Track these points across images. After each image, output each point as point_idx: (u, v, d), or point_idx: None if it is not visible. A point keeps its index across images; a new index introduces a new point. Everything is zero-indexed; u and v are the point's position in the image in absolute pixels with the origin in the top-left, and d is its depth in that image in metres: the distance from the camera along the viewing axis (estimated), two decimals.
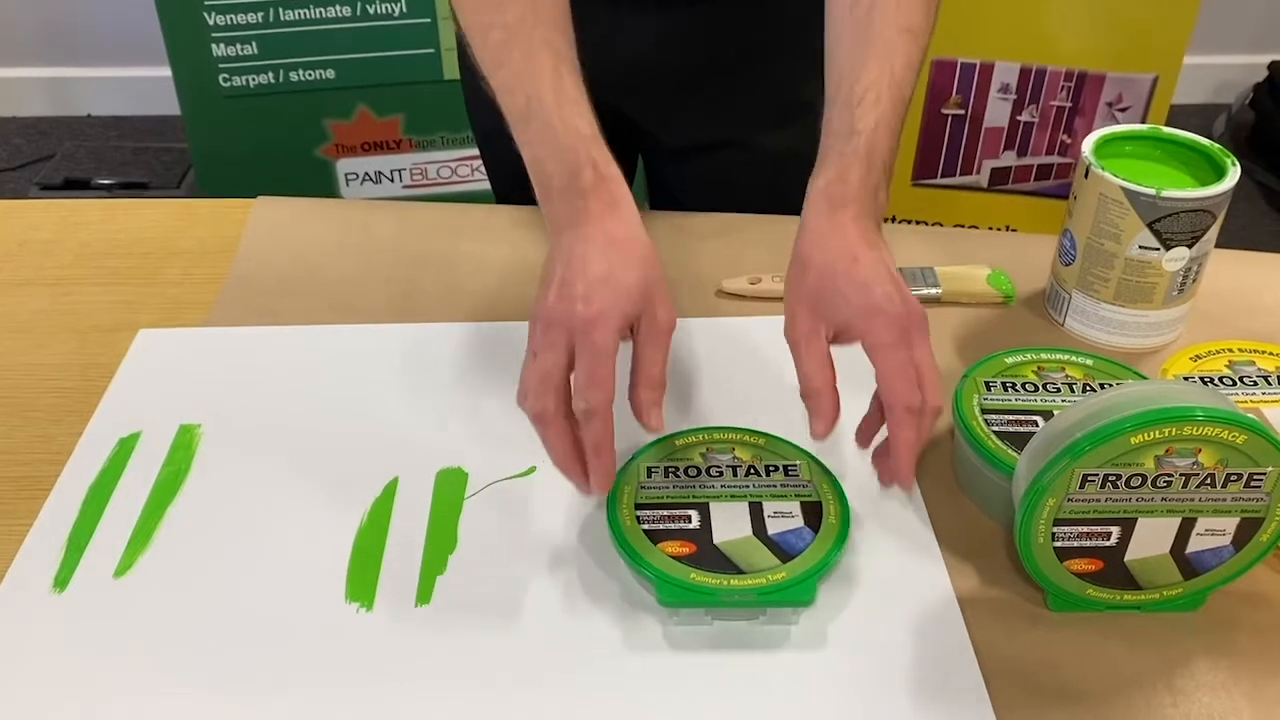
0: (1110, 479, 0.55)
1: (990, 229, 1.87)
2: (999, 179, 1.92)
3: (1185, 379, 0.71)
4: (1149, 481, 0.56)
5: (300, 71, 1.93)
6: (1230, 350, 0.74)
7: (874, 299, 0.60)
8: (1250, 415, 0.55)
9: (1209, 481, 0.55)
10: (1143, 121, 1.85)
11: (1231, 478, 0.55)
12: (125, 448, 0.70)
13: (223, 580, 0.62)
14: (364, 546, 0.64)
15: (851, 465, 0.69)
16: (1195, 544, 0.58)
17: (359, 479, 0.68)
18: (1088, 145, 0.77)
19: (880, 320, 0.60)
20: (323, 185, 2.03)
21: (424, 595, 0.61)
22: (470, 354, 0.79)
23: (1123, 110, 1.84)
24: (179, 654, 0.58)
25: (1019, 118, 1.85)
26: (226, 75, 1.88)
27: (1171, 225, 0.74)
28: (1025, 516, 0.57)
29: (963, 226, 1.92)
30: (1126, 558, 0.59)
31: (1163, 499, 0.56)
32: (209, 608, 0.60)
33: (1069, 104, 1.84)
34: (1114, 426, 0.54)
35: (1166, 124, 0.80)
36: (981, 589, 0.62)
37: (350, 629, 0.59)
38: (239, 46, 1.86)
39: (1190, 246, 0.75)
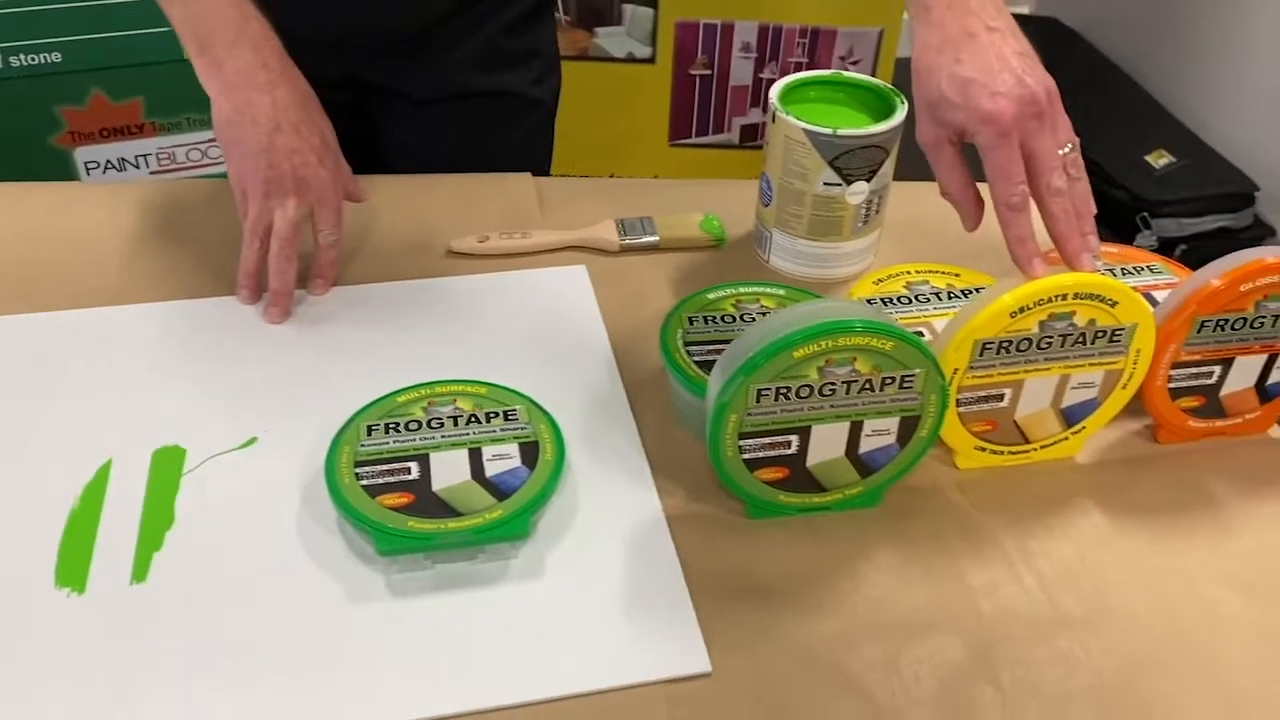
0: (782, 391, 0.61)
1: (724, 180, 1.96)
2: (749, 135, 2.00)
3: (869, 300, 0.79)
4: (816, 391, 0.61)
5: (22, 56, 1.81)
6: (909, 272, 0.82)
7: (974, 100, 0.63)
8: (894, 324, 0.61)
9: (868, 386, 0.62)
10: (872, 73, 1.98)
11: (886, 381, 0.62)
12: None
13: None
14: (75, 531, 0.62)
15: (572, 407, 0.72)
16: (866, 444, 0.64)
17: (68, 465, 0.67)
18: (774, 92, 0.83)
19: (978, 122, 0.63)
20: (62, 176, 1.91)
21: (139, 573, 0.61)
22: (183, 332, 0.78)
23: (854, 63, 1.96)
24: None
25: (761, 75, 1.94)
26: None
27: (850, 161, 0.80)
28: (713, 432, 0.62)
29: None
30: (808, 463, 0.65)
31: (830, 406, 0.62)
32: None
33: (805, 60, 1.94)
34: (778, 343, 0.59)
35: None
36: (689, 506, 0.67)
37: (61, 615, 0.58)
38: None
39: (869, 180, 0.82)
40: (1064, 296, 0.63)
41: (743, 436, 0.62)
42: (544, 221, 0.92)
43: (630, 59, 1.94)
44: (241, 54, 0.75)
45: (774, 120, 0.82)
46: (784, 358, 0.60)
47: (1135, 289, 0.79)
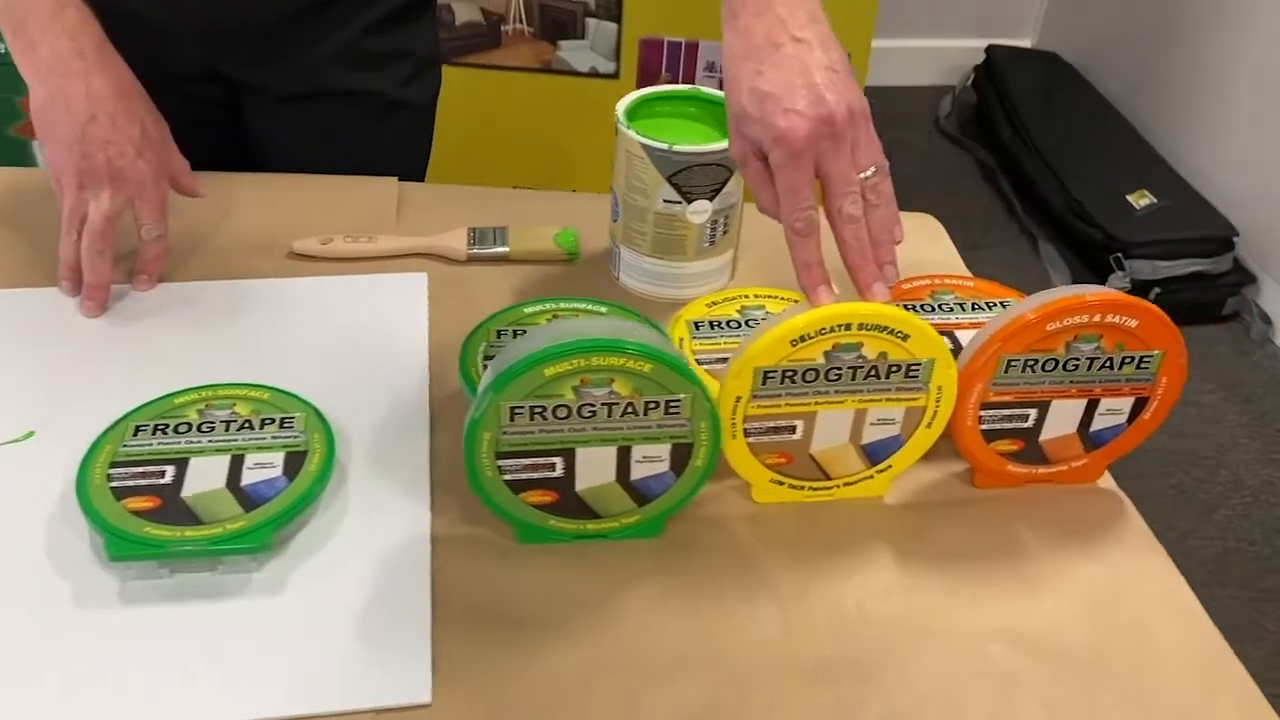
0: (537, 411, 0.58)
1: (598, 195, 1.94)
2: None
3: (695, 323, 0.75)
4: (574, 411, 0.58)
5: None
6: (746, 296, 0.78)
7: (769, 116, 0.60)
8: (660, 346, 0.58)
9: (630, 409, 0.59)
10: None
11: (650, 405, 0.59)
12: None
13: None
14: None
15: (369, 418, 0.70)
16: (638, 471, 0.61)
17: None
18: (620, 106, 0.80)
19: (771, 140, 0.60)
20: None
21: None
22: None
23: None
24: None
25: None
26: None
27: (689, 179, 0.77)
28: (468, 452, 0.59)
29: None
30: (577, 488, 0.62)
31: (594, 428, 0.59)
32: None
33: None
34: (528, 360, 0.56)
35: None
36: (461, 528, 0.64)
37: None
38: None
39: (712, 199, 0.79)
40: (848, 326, 0.60)
41: (501, 456, 0.59)
42: (399, 227, 0.89)
43: (593, 73, 1.92)
44: (56, 40, 0.74)
45: (617, 134, 0.79)
46: (535, 375, 0.57)
47: (981, 325, 0.76)
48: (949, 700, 0.57)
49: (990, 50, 2.72)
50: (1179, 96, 2.40)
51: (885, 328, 0.60)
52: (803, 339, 0.60)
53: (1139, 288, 2.07)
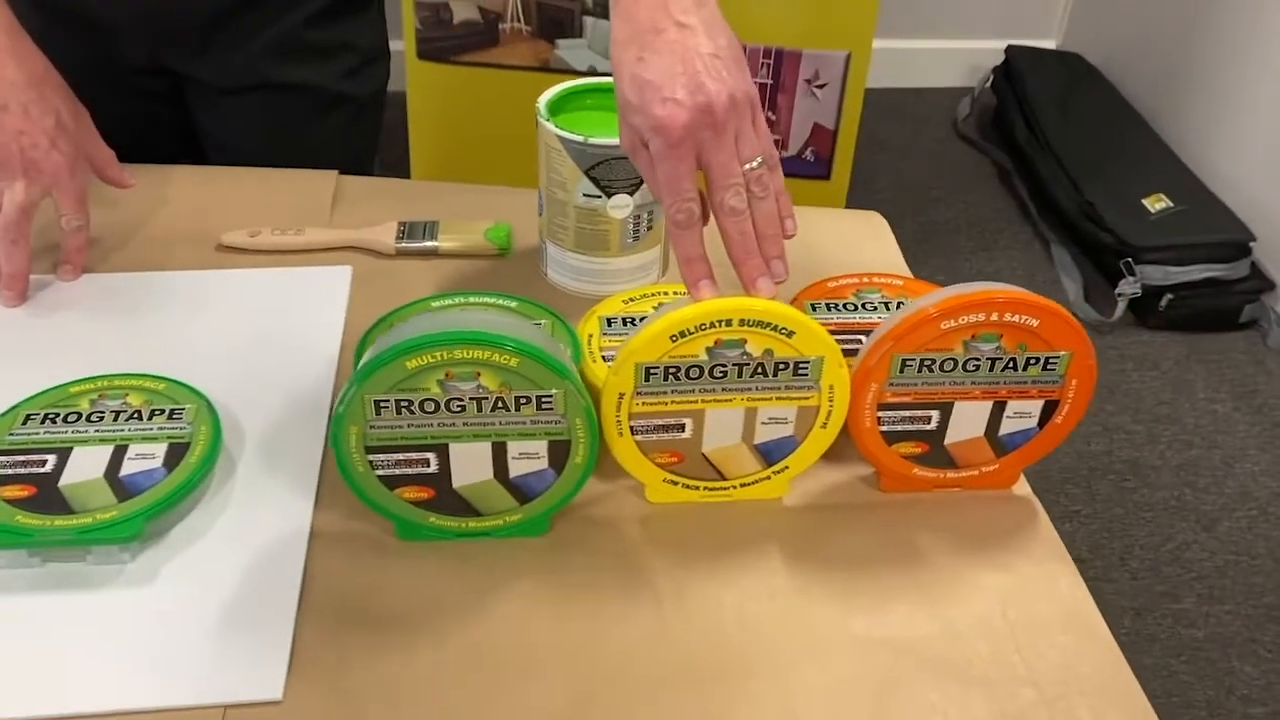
0: (403, 405, 0.57)
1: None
2: None
3: (608, 319, 0.74)
4: (443, 406, 0.57)
5: None
6: (665, 293, 0.77)
7: (648, 105, 0.58)
8: (531, 340, 0.57)
9: (502, 404, 0.57)
10: (840, 98, 1.92)
11: (522, 400, 0.57)
12: None
13: None
14: None
15: (267, 411, 0.69)
16: (516, 468, 0.60)
17: None
18: (542, 99, 0.79)
19: (649, 130, 0.58)
20: None
21: None
22: None
23: (820, 86, 1.90)
24: None
25: None
26: None
27: (607, 172, 0.76)
28: (335, 446, 0.58)
29: None
30: (455, 485, 0.60)
31: (465, 424, 0.58)
32: None
33: (770, 81, 1.89)
34: (389, 353, 0.55)
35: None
36: (344, 523, 0.63)
37: None
38: None
39: (633, 194, 0.77)
40: (729, 322, 0.58)
41: (371, 451, 0.58)
42: (333, 220, 0.89)
43: (592, 72, 1.91)
44: None
45: (537, 127, 0.78)
46: (396, 368, 0.55)
47: None
48: (823, 706, 0.55)
49: (1010, 51, 2.67)
50: (1202, 99, 2.33)
51: (768, 324, 0.58)
52: (683, 334, 0.58)
53: (1150, 294, 2.02)
